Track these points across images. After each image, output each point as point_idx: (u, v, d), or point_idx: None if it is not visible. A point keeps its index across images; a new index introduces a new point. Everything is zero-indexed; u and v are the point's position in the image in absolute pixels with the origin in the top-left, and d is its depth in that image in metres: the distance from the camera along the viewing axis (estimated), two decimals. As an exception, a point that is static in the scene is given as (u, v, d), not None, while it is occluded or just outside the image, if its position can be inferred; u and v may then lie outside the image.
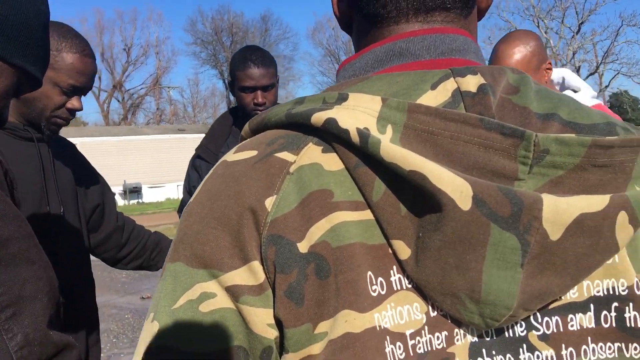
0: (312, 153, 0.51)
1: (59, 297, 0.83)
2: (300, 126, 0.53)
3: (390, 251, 0.49)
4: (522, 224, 0.45)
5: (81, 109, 1.48)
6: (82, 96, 1.49)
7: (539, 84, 0.58)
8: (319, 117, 0.50)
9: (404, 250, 0.48)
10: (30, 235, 0.81)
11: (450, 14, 0.58)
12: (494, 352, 0.50)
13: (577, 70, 30.57)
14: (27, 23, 0.79)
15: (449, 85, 0.52)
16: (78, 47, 1.43)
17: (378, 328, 0.48)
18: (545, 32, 30.85)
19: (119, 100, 47.25)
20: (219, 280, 0.49)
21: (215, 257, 0.49)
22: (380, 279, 0.49)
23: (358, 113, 0.49)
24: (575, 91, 1.89)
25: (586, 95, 1.85)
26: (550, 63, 1.81)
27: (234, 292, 0.49)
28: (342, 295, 0.47)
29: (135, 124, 45.44)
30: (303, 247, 0.48)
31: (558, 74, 1.95)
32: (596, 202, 0.47)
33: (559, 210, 0.46)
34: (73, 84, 1.42)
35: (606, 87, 31.70)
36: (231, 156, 0.55)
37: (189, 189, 2.14)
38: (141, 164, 24.79)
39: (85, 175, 1.69)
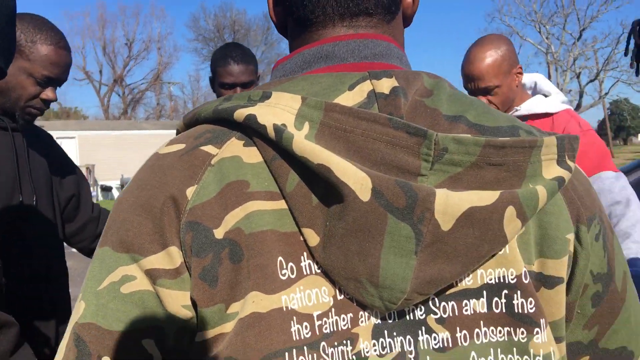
0: (234, 147, 0.55)
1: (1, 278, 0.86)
2: (225, 122, 0.56)
3: (301, 239, 0.53)
4: (416, 215, 0.49)
5: (55, 100, 1.51)
6: (57, 87, 1.52)
7: (454, 89, 0.62)
8: (240, 113, 0.54)
9: (313, 238, 0.52)
10: None
11: (373, 19, 0.62)
12: (395, 334, 0.54)
13: (578, 77, 30.63)
14: None
15: (365, 87, 0.56)
16: (53, 39, 1.46)
17: (285, 309, 0.52)
18: (547, 38, 30.90)
19: (119, 95, 47.27)
20: (139, 264, 0.53)
21: (137, 242, 0.53)
22: (290, 264, 0.52)
23: (278, 110, 0.53)
24: (546, 96, 1.93)
25: (556, 100, 1.88)
26: (521, 68, 1.85)
27: (152, 275, 0.52)
28: (252, 278, 0.51)
29: (135, 118, 45.47)
30: (219, 233, 0.52)
31: (531, 78, 1.99)
32: (486, 197, 0.51)
33: (450, 203, 0.50)
34: (47, 75, 1.45)
35: (606, 94, 31.75)
36: (163, 149, 0.59)
37: None
38: (139, 159, 24.83)
39: (61, 165, 1.72)
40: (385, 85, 0.56)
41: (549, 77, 25.60)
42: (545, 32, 31.04)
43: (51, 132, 2.00)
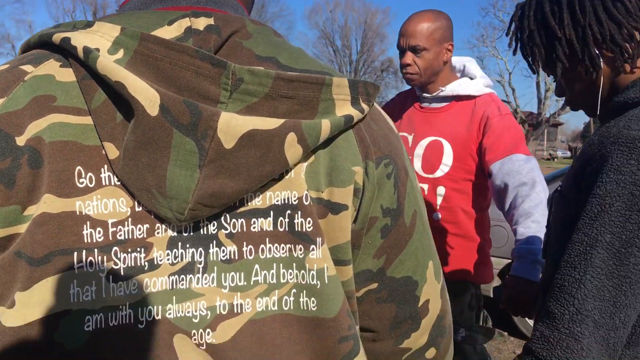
0: (51, 67, 0.60)
1: None
2: (48, 45, 0.61)
3: (103, 152, 0.57)
4: (200, 131, 0.54)
5: None
6: None
7: (281, 38, 0.67)
8: (58, 37, 0.59)
9: (113, 152, 0.56)
10: None
11: None
12: (188, 245, 0.59)
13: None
14: None
15: (184, 23, 0.61)
16: None
17: (78, 213, 0.56)
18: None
19: (107, 62, 46.40)
20: None
21: None
22: (90, 174, 0.57)
23: (96, 37, 0.58)
24: (471, 78, 1.99)
25: (479, 83, 1.95)
26: (452, 45, 1.93)
27: None
28: (48, 183, 0.56)
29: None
30: (20, 140, 0.56)
31: (461, 61, 2.05)
32: (270, 123, 0.56)
33: (233, 124, 0.55)
34: None
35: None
36: None
37: None
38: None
39: None
40: (202, 23, 0.61)
41: (538, 77, 25.73)
42: (537, 30, 31.03)
43: None
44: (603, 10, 1.04)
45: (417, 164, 1.98)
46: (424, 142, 1.97)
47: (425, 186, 1.97)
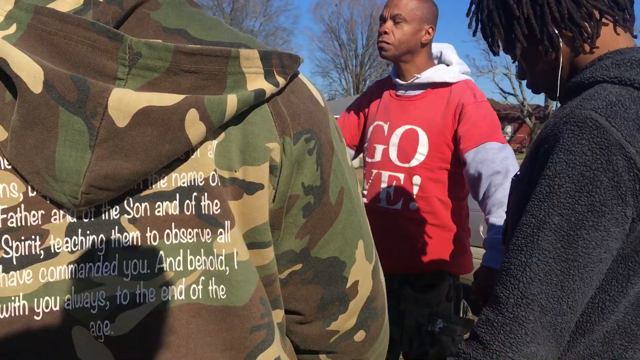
0: None
1: None
2: None
3: None
4: (88, 109, 0.51)
5: None
6: None
7: (196, 8, 0.63)
8: None
9: (2, 133, 0.54)
10: None
11: None
12: (88, 232, 0.56)
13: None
14: None
15: None
16: None
17: None
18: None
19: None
20: None
21: None
22: None
23: None
24: (448, 65, 1.96)
25: (455, 70, 1.92)
26: (432, 29, 1.91)
27: None
28: None
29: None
30: None
31: (437, 47, 2.02)
32: (168, 99, 0.53)
33: (125, 101, 0.51)
34: None
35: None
36: None
37: None
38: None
39: None
40: None
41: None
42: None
43: None
44: None
45: (393, 153, 1.95)
46: (399, 131, 1.94)
47: (401, 175, 1.94)
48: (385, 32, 1.92)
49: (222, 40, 0.60)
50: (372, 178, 2.02)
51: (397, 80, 2.00)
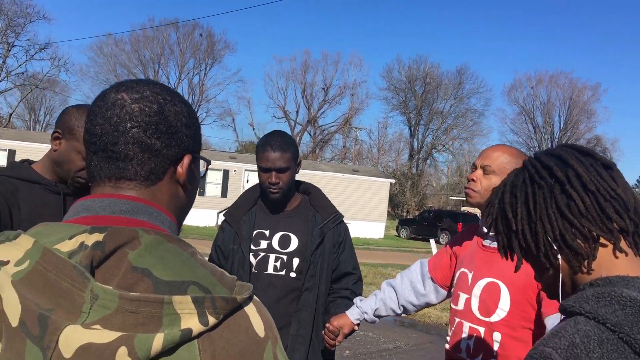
0: None
1: None
2: None
3: None
4: (45, 342, 0.70)
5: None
6: None
7: (174, 245, 0.79)
8: None
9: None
10: None
11: (132, 182, 0.86)
12: None
13: None
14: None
15: (80, 239, 0.78)
16: None
17: None
18: None
19: (310, 135, 50.71)
20: None
21: None
22: None
23: (14, 248, 0.78)
24: None
25: None
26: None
27: None
28: None
29: (321, 158, 48.23)
30: None
31: None
32: (105, 336, 0.67)
33: (71, 337, 0.69)
34: None
35: None
36: None
37: (215, 246, 2.52)
38: (313, 197, 26.13)
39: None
40: (92, 239, 0.75)
41: None
42: None
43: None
44: (555, 208, 1.00)
45: (475, 305, 1.91)
46: (482, 283, 1.90)
47: (482, 329, 1.88)
48: (473, 180, 1.96)
49: (177, 279, 0.74)
50: (454, 326, 1.99)
51: (484, 229, 1.98)
